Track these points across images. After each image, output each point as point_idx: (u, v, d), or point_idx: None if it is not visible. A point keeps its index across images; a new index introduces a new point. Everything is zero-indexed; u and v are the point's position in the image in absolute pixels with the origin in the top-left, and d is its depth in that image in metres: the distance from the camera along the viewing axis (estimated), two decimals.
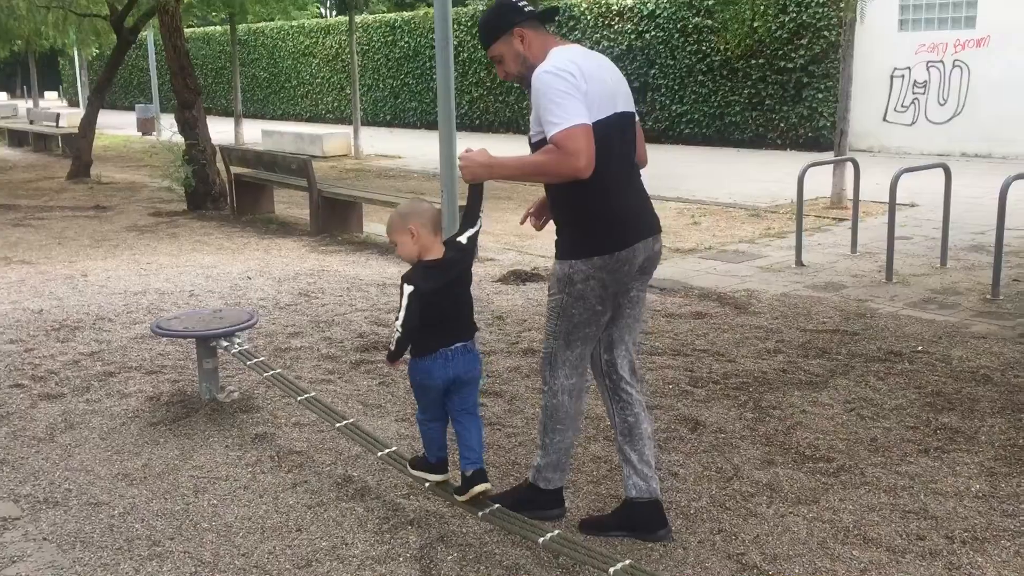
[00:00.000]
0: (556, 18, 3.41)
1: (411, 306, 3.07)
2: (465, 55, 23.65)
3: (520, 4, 3.21)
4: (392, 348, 3.16)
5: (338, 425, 3.92)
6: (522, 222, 3.64)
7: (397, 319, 3.10)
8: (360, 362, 5.42)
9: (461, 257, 3.20)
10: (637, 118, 3.31)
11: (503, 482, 3.79)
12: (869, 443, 4.12)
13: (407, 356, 3.23)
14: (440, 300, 3.12)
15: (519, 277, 7.58)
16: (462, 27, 23.15)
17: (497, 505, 3.30)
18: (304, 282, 7.55)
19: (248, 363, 4.46)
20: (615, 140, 3.11)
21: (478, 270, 7.92)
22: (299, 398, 4.12)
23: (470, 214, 3.28)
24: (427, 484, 3.46)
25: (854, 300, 6.68)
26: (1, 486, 3.85)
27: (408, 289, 3.07)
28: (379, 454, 3.71)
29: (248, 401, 4.77)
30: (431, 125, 25.06)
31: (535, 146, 3.15)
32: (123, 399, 4.86)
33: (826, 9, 16.53)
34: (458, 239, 3.22)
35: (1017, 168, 9.19)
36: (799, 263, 7.87)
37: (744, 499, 3.63)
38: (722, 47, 16.18)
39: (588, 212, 3.12)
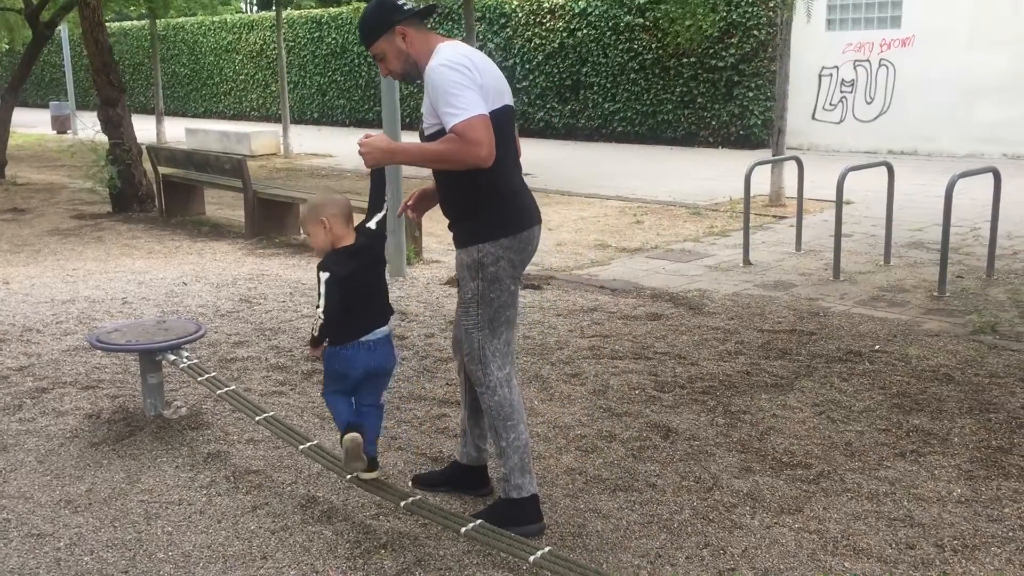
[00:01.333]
0: (434, 13, 3.56)
1: (330, 292, 3.18)
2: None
3: (400, 3, 3.24)
4: (315, 334, 3.25)
5: (301, 447, 3.70)
6: (399, 214, 3.74)
7: (318, 307, 3.20)
8: (312, 372, 5.18)
9: (372, 243, 3.32)
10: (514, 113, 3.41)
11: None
12: (844, 447, 4.07)
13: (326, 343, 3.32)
14: (355, 284, 3.23)
15: None
16: None
17: (480, 521, 3.22)
18: (244, 287, 7.25)
19: (199, 379, 4.20)
20: (507, 130, 3.22)
21: (425, 272, 7.73)
22: (257, 418, 3.89)
23: (375, 199, 3.36)
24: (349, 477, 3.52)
25: (805, 299, 6.68)
26: None
27: (324, 276, 3.18)
28: (347, 477, 3.51)
29: (197, 417, 4.51)
30: (360, 123, 24.68)
31: (429, 138, 3.20)
32: (59, 417, 4.55)
33: (755, 8, 16.71)
34: (367, 225, 3.32)
35: (942, 165, 9.39)
36: (747, 262, 7.86)
37: (727, 510, 3.54)
38: (669, 45, 16.17)
39: (490, 197, 3.19)
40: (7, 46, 24.69)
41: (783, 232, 9.31)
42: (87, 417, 4.54)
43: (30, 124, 26.98)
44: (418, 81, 3.25)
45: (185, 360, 4.30)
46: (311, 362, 5.35)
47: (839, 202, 7.32)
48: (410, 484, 3.78)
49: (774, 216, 10.21)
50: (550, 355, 5.45)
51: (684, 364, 5.25)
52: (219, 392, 4.09)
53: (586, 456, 4.04)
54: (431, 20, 21.93)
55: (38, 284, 7.37)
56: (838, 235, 7.32)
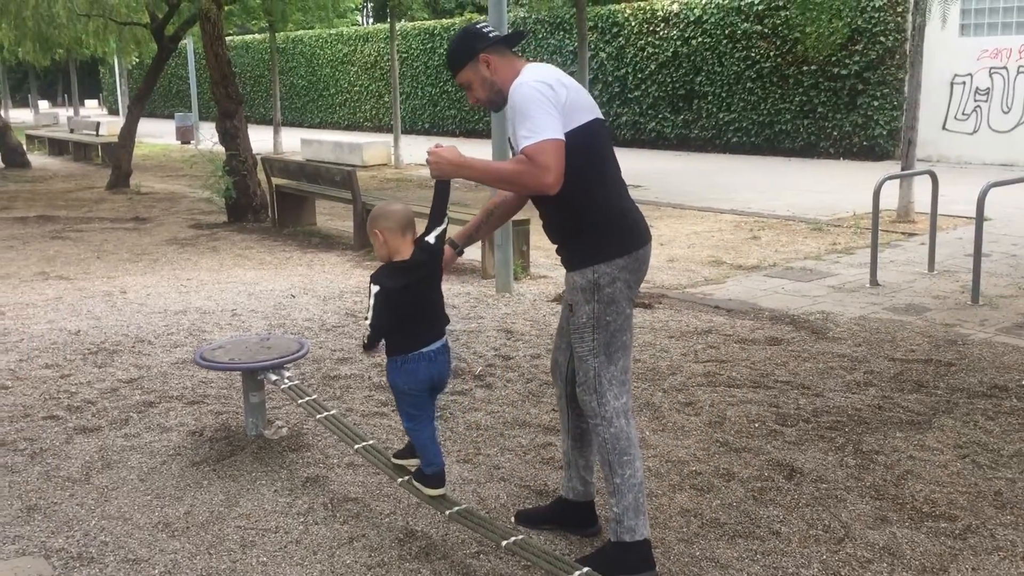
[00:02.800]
0: (522, 41, 3.40)
1: (378, 305, 3.16)
2: None
3: (485, 30, 3.20)
4: (365, 343, 3.24)
5: (399, 481, 3.53)
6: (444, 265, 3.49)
7: (366, 318, 3.19)
8: None
9: (427, 258, 3.25)
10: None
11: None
12: (993, 497, 3.66)
13: (383, 355, 3.31)
14: (408, 298, 3.19)
15: None
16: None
17: (587, 569, 2.93)
18: (350, 301, 7.20)
19: (299, 401, 4.09)
20: (606, 143, 3.13)
21: (532, 288, 7.53)
22: (356, 446, 3.74)
23: (437, 212, 3.26)
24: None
25: (941, 325, 6.20)
26: (32, 537, 3.51)
27: (375, 289, 3.17)
28: (446, 512, 3.32)
29: (297, 438, 4.40)
30: (470, 133, 24.77)
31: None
32: (164, 433, 4.52)
33: (883, 14, 15.97)
34: (426, 239, 3.26)
35: None
36: (874, 282, 7.39)
37: (861, 566, 3.20)
38: (792, 54, 15.56)
39: (601, 215, 3.08)
40: (136, 59, 25.75)
41: (913, 250, 8.75)
42: (190, 434, 4.50)
43: (156, 135, 28.11)
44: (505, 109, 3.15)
45: (287, 380, 4.20)
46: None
47: (979, 219, 6.79)
48: (512, 520, 3.57)
49: (903, 233, 9.63)
50: (662, 381, 5.17)
51: (808, 395, 4.88)
52: (318, 417, 3.96)
53: (702, 496, 3.75)
54: (524, 45, 21.74)
55: (153, 294, 7.49)
56: (978, 255, 6.79)
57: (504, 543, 3.10)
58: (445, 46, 25.47)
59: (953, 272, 7.76)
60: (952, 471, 3.91)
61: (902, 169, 9.94)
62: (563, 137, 2.95)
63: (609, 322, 3.09)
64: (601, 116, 3.16)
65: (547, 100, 2.95)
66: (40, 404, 4.94)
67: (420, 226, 3.30)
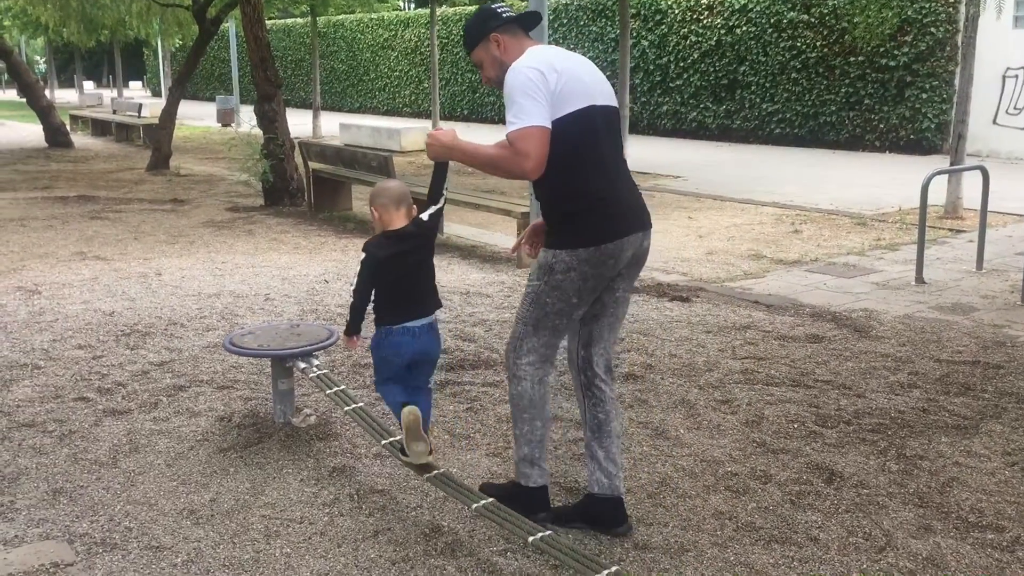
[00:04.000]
0: (539, 23, 3.43)
1: (363, 272, 3.29)
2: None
3: (499, 10, 3.26)
4: (348, 318, 3.37)
5: (426, 476, 3.46)
6: (513, 251, 3.72)
7: (352, 284, 3.31)
8: (445, 383, 4.96)
9: (419, 232, 3.35)
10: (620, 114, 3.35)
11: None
12: None
13: (368, 335, 3.42)
14: (396, 269, 3.29)
15: None
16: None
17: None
18: None
19: (327, 391, 4.03)
20: (600, 129, 3.14)
21: None
22: (383, 441, 3.67)
23: (433, 192, 3.36)
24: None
25: (989, 326, 6.00)
26: (57, 521, 3.49)
27: (363, 256, 3.31)
28: (473, 507, 3.24)
29: (325, 427, 4.35)
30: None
31: None
32: (192, 418, 4.49)
33: (933, 4, 15.57)
34: (421, 216, 3.37)
35: None
36: (919, 280, 7.18)
37: None
38: (841, 43, 15.21)
39: (571, 203, 3.13)
40: (179, 41, 25.90)
41: (960, 248, 8.51)
42: (219, 420, 4.46)
43: (198, 117, 28.30)
44: None
45: (316, 369, 4.14)
46: (443, 372, 5.14)
47: None
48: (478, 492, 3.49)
49: (950, 230, 9.38)
50: (698, 377, 5.04)
51: (849, 396, 4.73)
52: (346, 409, 3.90)
53: (737, 498, 3.64)
54: (566, 33, 21.34)
55: (188, 276, 7.48)
56: None
57: (531, 539, 3.03)
58: None
59: (1002, 271, 7.52)
60: (1000, 479, 3.76)
61: (951, 164, 9.67)
62: (548, 125, 2.99)
63: (547, 303, 3.19)
64: (602, 103, 3.16)
65: (536, 86, 2.99)
66: (71, 385, 4.93)
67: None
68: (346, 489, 3.75)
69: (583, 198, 3.11)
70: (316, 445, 4.16)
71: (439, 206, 3.37)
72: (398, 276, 3.33)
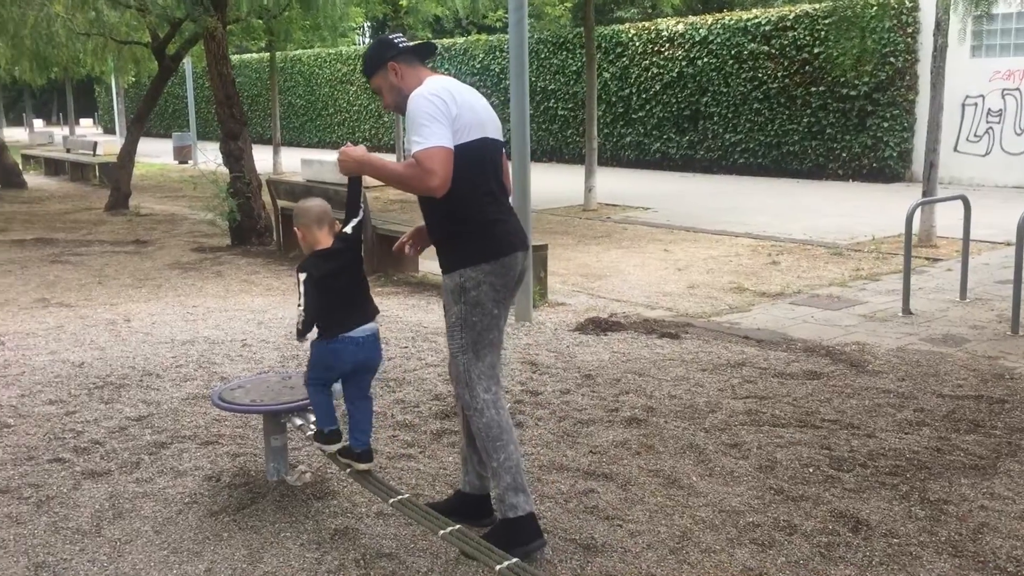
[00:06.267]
0: (435, 54, 3.77)
1: (308, 291, 3.46)
2: (505, 84, 23.15)
3: (395, 40, 3.49)
4: (300, 329, 3.50)
5: (441, 533, 3.26)
6: (396, 250, 3.83)
7: (299, 304, 3.46)
8: (442, 432, 4.76)
9: (346, 247, 3.55)
10: (504, 150, 3.54)
11: None
12: None
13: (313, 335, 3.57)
14: (332, 284, 3.50)
15: (599, 326, 6.90)
16: (505, 55, 22.66)
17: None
18: None
19: (326, 451, 3.80)
20: (487, 160, 3.38)
21: (552, 316, 7.27)
22: (390, 500, 3.47)
23: (351, 205, 3.54)
24: (348, 471, 3.71)
25: (984, 357, 5.95)
26: None
27: (302, 276, 3.47)
28: (497, 568, 3.04)
29: (322, 484, 4.12)
30: None
31: None
32: (178, 478, 4.23)
33: (892, 35, 15.82)
34: (344, 230, 3.55)
35: None
36: (906, 311, 7.14)
37: None
38: (840, 74, 15.37)
39: (465, 225, 3.34)
40: (134, 78, 25.52)
41: (940, 277, 8.52)
42: (207, 479, 4.21)
43: (154, 154, 27.86)
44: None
45: (312, 426, 3.91)
46: (439, 420, 4.94)
47: (1020, 246, 6.55)
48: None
49: (926, 258, 9.40)
50: (702, 419, 4.90)
51: (859, 435, 4.62)
52: (347, 471, 3.69)
53: (765, 552, 3.48)
54: (530, 63, 21.17)
55: (159, 322, 7.20)
56: (1018, 283, 6.54)
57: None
58: (446, 67, 25.32)
59: (986, 300, 7.52)
60: None
61: (924, 192, 9.72)
62: (451, 146, 3.21)
63: (475, 322, 3.34)
64: (493, 135, 3.41)
65: (439, 111, 3.21)
66: (45, 445, 4.65)
67: None
68: (351, 554, 3.52)
69: (476, 220, 3.34)
70: (314, 505, 3.93)
71: (359, 218, 3.56)
72: (335, 290, 3.53)
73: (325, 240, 3.57)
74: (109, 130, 41.59)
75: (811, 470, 4.21)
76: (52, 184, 20.42)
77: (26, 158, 24.21)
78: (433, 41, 3.69)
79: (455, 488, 3.86)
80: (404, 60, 3.45)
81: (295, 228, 3.62)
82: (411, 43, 3.53)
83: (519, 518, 3.34)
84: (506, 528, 3.35)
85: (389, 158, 20.87)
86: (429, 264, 9.30)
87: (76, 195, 17.86)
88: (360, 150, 3.42)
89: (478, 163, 3.33)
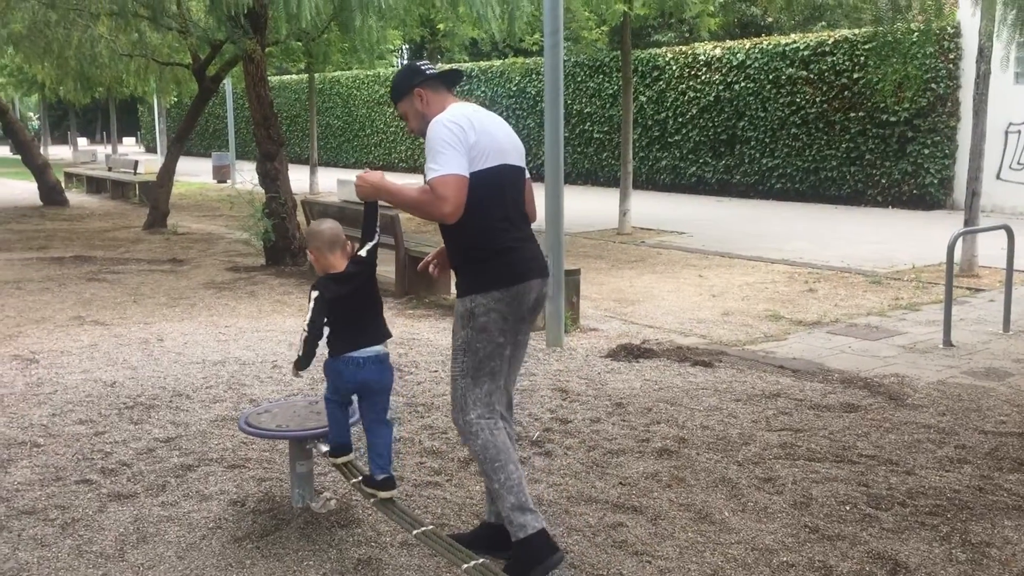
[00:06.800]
0: (461, 81, 3.74)
1: (316, 309, 3.54)
2: (540, 107, 23.18)
3: (422, 67, 3.54)
4: (300, 352, 3.61)
5: (465, 567, 3.19)
6: (420, 269, 3.88)
7: (305, 321, 3.56)
8: (470, 460, 4.69)
9: (360, 270, 3.60)
10: (528, 175, 3.59)
11: None
12: None
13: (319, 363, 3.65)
14: (343, 307, 3.57)
15: (631, 352, 6.82)
16: (541, 78, 22.70)
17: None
18: (394, 354, 6.86)
19: (351, 481, 3.76)
20: (507, 187, 3.41)
21: (583, 342, 7.20)
22: (414, 532, 3.41)
23: (367, 229, 3.61)
24: (372, 500, 3.69)
25: None
26: None
27: (314, 294, 3.55)
28: (370, 502, 2.99)
29: (346, 512, 4.07)
30: None
31: None
32: (203, 502, 4.21)
33: (933, 60, 15.62)
34: (359, 253, 3.61)
35: None
36: (947, 343, 6.97)
37: None
38: (879, 100, 15.25)
39: (482, 250, 3.37)
40: (175, 99, 25.90)
41: (982, 308, 8.33)
42: (232, 504, 4.18)
43: (193, 173, 28.23)
44: None
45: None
46: (462, 447, 4.87)
47: None
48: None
49: (968, 288, 9.20)
50: (735, 452, 4.79)
51: (898, 472, 4.49)
52: (371, 502, 3.65)
53: None
54: (565, 85, 21.09)
55: (191, 342, 7.22)
56: None
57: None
58: (483, 89, 25.43)
59: None
60: None
61: (965, 221, 9.53)
62: (466, 174, 3.24)
63: (479, 348, 3.36)
64: (512, 162, 3.43)
65: (456, 138, 3.25)
66: (73, 466, 4.65)
67: None
68: None
69: (488, 248, 3.36)
70: (338, 533, 3.88)
71: (375, 242, 3.62)
72: (344, 311, 3.60)
73: (339, 263, 3.62)
74: (151, 149, 42.25)
75: (848, 508, 4.09)
76: (93, 202, 20.73)
77: (68, 176, 24.62)
78: (460, 68, 3.73)
79: (480, 518, 3.82)
80: (430, 86, 3.49)
81: (307, 249, 3.66)
82: (437, 70, 3.58)
83: (529, 537, 3.32)
84: (520, 549, 3.33)
85: (420, 181, 20.98)
86: None
87: (116, 213, 18.10)
88: (377, 175, 3.46)
89: (495, 190, 3.35)
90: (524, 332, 3.54)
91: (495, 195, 3.35)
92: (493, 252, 3.37)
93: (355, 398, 3.81)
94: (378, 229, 3.66)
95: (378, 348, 3.63)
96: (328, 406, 3.79)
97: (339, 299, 3.54)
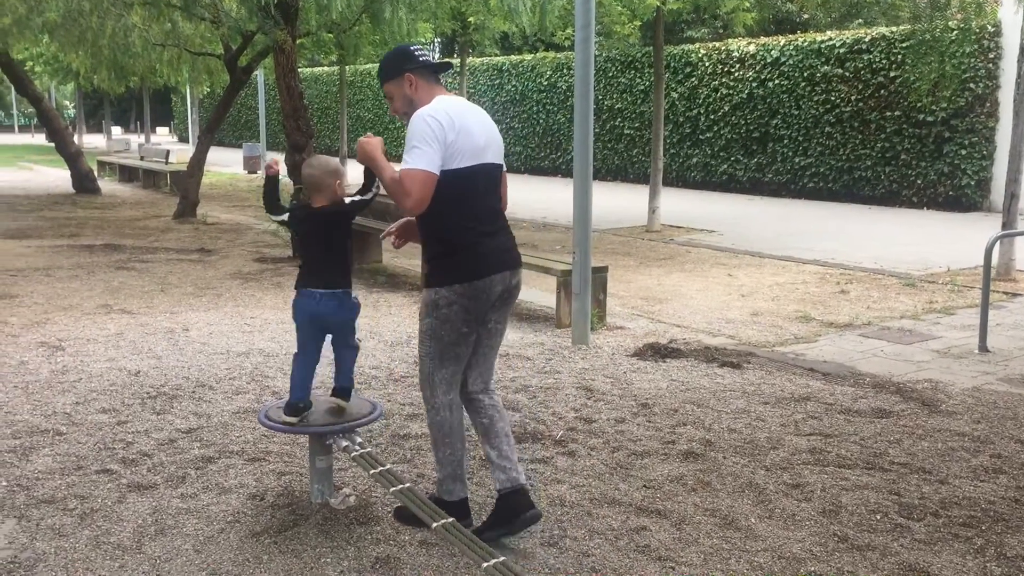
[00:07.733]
0: (448, 71, 4.08)
1: (293, 213, 3.97)
2: (571, 102, 23.05)
3: (416, 52, 3.63)
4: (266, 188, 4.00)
5: (485, 565, 3.13)
6: (382, 237, 4.07)
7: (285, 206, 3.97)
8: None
9: (335, 209, 3.83)
10: (504, 168, 3.74)
11: None
12: None
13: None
14: (307, 233, 3.95)
15: (657, 352, 6.72)
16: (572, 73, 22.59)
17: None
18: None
19: (371, 472, 3.71)
20: (480, 186, 3.53)
21: (609, 340, 7.11)
22: (434, 524, 3.35)
23: (364, 188, 3.86)
24: (392, 490, 3.71)
25: None
26: None
27: (289, 213, 3.97)
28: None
29: (366, 509, 4.02)
30: (534, 171, 24.52)
31: None
32: (222, 495, 4.17)
33: (972, 60, 15.34)
34: (344, 198, 3.83)
35: None
36: (983, 348, 6.81)
37: None
38: (915, 99, 15.03)
39: (451, 245, 3.51)
40: (208, 89, 26.04)
41: (1019, 313, 8.15)
42: (251, 497, 4.14)
43: (224, 163, 28.38)
44: None
45: (357, 448, 3.83)
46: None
47: None
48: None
49: (1005, 293, 9.01)
50: (763, 456, 4.69)
51: (931, 481, 4.37)
52: (392, 490, 3.59)
53: None
54: (595, 81, 20.93)
55: (216, 332, 7.22)
56: None
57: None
58: (513, 83, 25.34)
59: None
60: None
61: (1003, 224, 9.34)
62: (436, 172, 3.35)
63: (443, 336, 3.57)
64: (489, 160, 3.55)
65: (433, 135, 3.36)
66: (94, 455, 4.63)
67: None
68: None
69: (454, 243, 3.50)
70: (357, 530, 3.83)
71: (367, 197, 3.84)
72: (306, 246, 3.95)
73: (319, 201, 3.83)
74: (184, 139, 42.57)
75: (878, 517, 3.98)
76: (125, 191, 20.88)
77: (101, 164, 24.83)
78: (450, 60, 3.77)
79: (492, 498, 3.88)
80: (421, 74, 3.59)
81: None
82: (430, 58, 3.69)
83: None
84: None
85: None
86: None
87: (147, 202, 18.22)
88: (374, 145, 3.54)
89: (467, 189, 3.46)
90: (496, 320, 3.68)
91: (466, 194, 3.47)
92: (458, 247, 3.50)
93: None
94: (374, 189, 3.83)
95: (335, 291, 3.83)
96: (294, 363, 3.97)
97: (301, 231, 3.91)
